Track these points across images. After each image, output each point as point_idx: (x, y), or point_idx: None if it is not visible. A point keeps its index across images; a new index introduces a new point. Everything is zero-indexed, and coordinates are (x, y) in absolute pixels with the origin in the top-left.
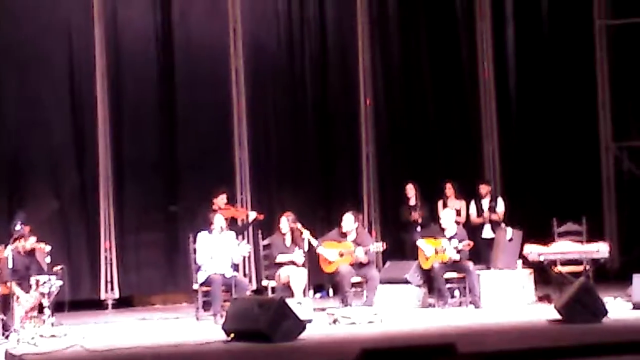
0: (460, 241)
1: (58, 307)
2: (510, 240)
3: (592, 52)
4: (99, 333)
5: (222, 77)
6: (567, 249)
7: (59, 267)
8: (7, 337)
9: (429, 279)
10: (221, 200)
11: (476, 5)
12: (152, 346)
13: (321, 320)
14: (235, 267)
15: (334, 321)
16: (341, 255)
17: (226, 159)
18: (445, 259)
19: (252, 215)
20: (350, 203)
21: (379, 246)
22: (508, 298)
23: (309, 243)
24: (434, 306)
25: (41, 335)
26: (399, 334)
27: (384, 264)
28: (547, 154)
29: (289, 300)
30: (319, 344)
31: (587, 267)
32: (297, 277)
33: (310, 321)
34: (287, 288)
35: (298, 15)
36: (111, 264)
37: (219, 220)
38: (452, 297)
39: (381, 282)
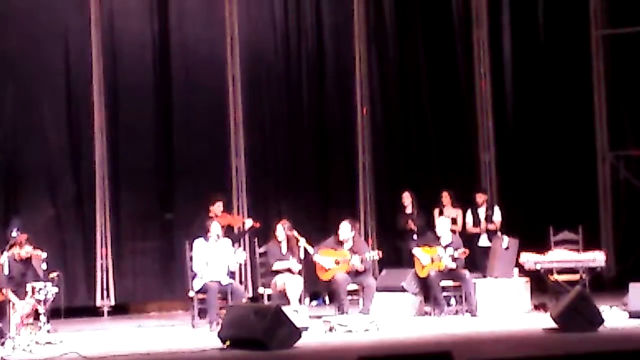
0: (455, 249)
1: (54, 314)
2: (507, 248)
3: (589, 61)
4: (95, 340)
5: (219, 84)
6: (563, 257)
7: (54, 274)
8: (2, 344)
9: (425, 287)
10: (218, 207)
11: (473, 14)
12: (147, 353)
13: (317, 328)
14: (232, 274)
15: (330, 329)
16: (337, 263)
17: (223, 167)
18: (441, 267)
19: (249, 222)
20: (347, 211)
21: (375, 254)
22: (504, 306)
23: (305, 251)
24: (430, 314)
25: (37, 342)
26: (395, 342)
27: (380, 272)
28: (544, 162)
29: (285, 308)
30: (315, 352)
31: (583, 275)
32: (293, 284)
33: (306, 329)
34: (283, 296)
35: (295, 24)
36: (107, 271)
37: (215, 228)
38: (448, 305)
39: (377, 290)
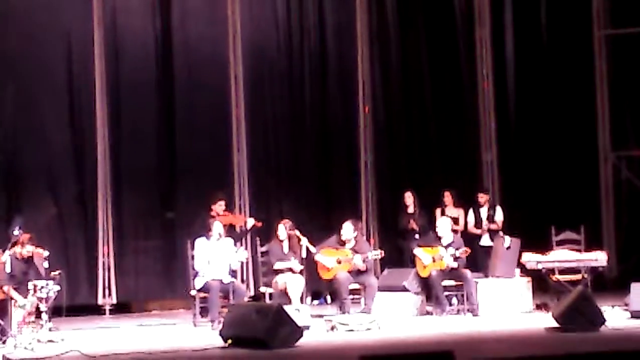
0: (457, 249)
1: (55, 312)
2: (508, 248)
3: (591, 61)
4: (97, 338)
5: (221, 83)
6: (565, 257)
7: (56, 272)
8: (4, 342)
9: (427, 287)
10: (219, 206)
11: (475, 13)
12: (149, 352)
13: (319, 327)
14: (233, 273)
15: (332, 328)
16: (339, 262)
17: (225, 166)
18: (442, 266)
19: (251, 222)
20: (349, 210)
21: (377, 254)
22: (506, 306)
23: (307, 250)
24: (431, 314)
25: (38, 340)
26: (396, 342)
27: (382, 271)
28: (546, 162)
29: (286, 307)
30: (317, 351)
31: (585, 275)
32: (294, 284)
33: (308, 328)
34: (285, 295)
35: (297, 22)
36: (109, 270)
37: (217, 227)
38: (450, 304)
39: (379, 290)
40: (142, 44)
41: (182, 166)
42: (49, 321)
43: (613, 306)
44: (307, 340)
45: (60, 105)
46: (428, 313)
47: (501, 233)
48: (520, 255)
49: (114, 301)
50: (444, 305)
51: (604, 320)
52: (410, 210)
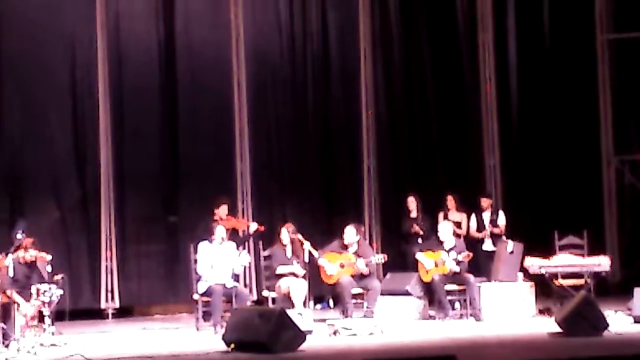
0: (459, 253)
1: (58, 316)
2: (511, 252)
3: (594, 65)
4: (99, 342)
5: (224, 88)
6: (568, 262)
7: (59, 276)
8: (7, 346)
9: (430, 291)
10: (222, 210)
11: (478, 17)
12: (151, 356)
13: (322, 331)
14: (236, 277)
15: (335, 332)
16: (342, 266)
17: (228, 170)
18: (445, 271)
19: (253, 226)
20: (352, 215)
21: (380, 258)
22: (509, 311)
23: (310, 254)
24: (434, 318)
25: (41, 344)
26: (399, 346)
27: (384, 275)
28: (549, 167)
29: (289, 311)
30: (320, 355)
31: (588, 280)
32: (297, 288)
33: (310, 332)
34: (288, 299)
35: (300, 27)
36: (112, 274)
37: (220, 231)
38: (453, 309)
39: (382, 294)
40: (145, 49)
41: (185, 170)
42: (52, 325)
43: (616, 311)
44: (310, 344)
45: (63, 109)
46: (431, 317)
47: (504, 237)
48: (523, 260)
49: (117, 305)
50: (446, 309)
51: (607, 325)
52: (413, 214)
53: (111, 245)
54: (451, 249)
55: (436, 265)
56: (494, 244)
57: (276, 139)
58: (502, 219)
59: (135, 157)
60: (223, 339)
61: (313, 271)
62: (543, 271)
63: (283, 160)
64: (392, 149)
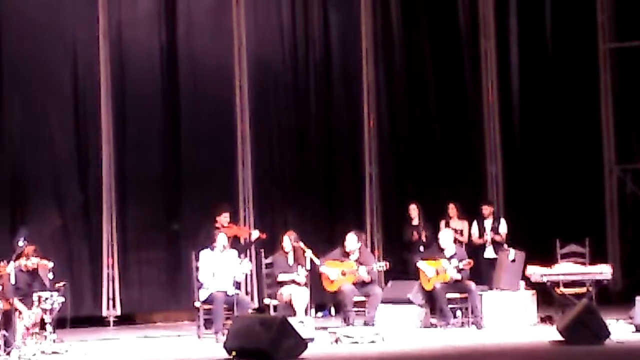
0: (460, 260)
1: (60, 323)
2: (513, 261)
3: (596, 74)
4: (101, 350)
5: (226, 94)
6: (570, 270)
7: (61, 283)
8: (8, 354)
9: (431, 299)
10: (224, 218)
11: (480, 26)
12: None
13: (323, 339)
14: (237, 285)
15: (336, 340)
16: (344, 274)
17: (229, 177)
18: (446, 279)
19: (255, 234)
20: (353, 222)
21: (382, 265)
22: (510, 319)
23: (312, 262)
24: (436, 326)
25: (43, 352)
26: (400, 354)
27: (386, 283)
28: (551, 175)
29: (291, 319)
30: None
31: (590, 288)
32: (299, 295)
33: (312, 340)
34: (289, 307)
35: (302, 34)
36: (113, 281)
37: (221, 239)
38: (454, 317)
39: (383, 302)
40: (148, 56)
41: (187, 178)
42: (53, 333)
43: (618, 319)
44: (311, 352)
45: (65, 117)
46: (432, 325)
47: (505, 245)
48: (524, 268)
49: (118, 313)
50: (448, 317)
51: (609, 333)
52: (415, 222)
53: (113, 252)
54: (452, 257)
55: (437, 273)
56: (496, 251)
57: (278, 147)
58: (503, 227)
59: (137, 165)
60: (224, 346)
61: (315, 279)
62: (545, 279)
63: (285, 167)
64: (394, 156)
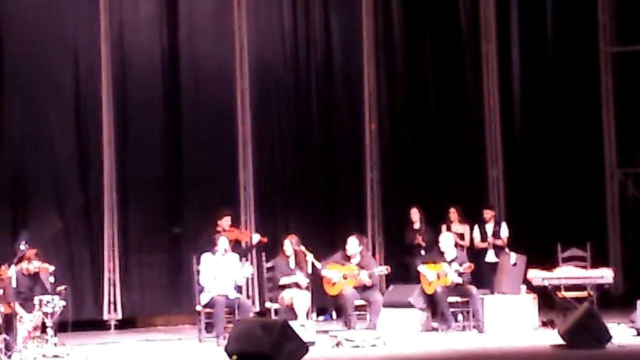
0: (460, 264)
1: (61, 327)
2: (514, 265)
3: (597, 78)
4: (102, 353)
5: (228, 98)
6: (571, 274)
7: (62, 287)
8: (9, 357)
9: (433, 303)
10: (225, 222)
11: (482, 29)
12: None
13: (324, 343)
14: (239, 288)
15: (337, 344)
16: (345, 278)
17: (231, 181)
18: (447, 282)
19: (256, 237)
20: (355, 226)
21: (383, 270)
22: (512, 323)
23: (313, 265)
24: (437, 330)
25: (44, 355)
26: (402, 358)
27: (387, 287)
28: (552, 179)
29: (292, 323)
30: None
31: (591, 292)
32: (300, 299)
33: (313, 344)
34: (291, 310)
35: (304, 38)
36: (114, 285)
37: (223, 242)
38: (456, 321)
39: (385, 306)
40: (149, 59)
41: (188, 181)
42: (55, 336)
43: (619, 323)
44: (313, 356)
45: (67, 119)
46: (433, 329)
47: (507, 249)
48: (526, 272)
49: (120, 316)
50: (449, 321)
51: (610, 337)
52: (417, 226)
53: (114, 256)
54: (453, 261)
55: (438, 277)
56: (497, 255)
57: (279, 150)
58: (505, 231)
59: (138, 168)
60: (225, 350)
61: (316, 282)
62: (546, 283)
63: (286, 170)
64: (395, 160)
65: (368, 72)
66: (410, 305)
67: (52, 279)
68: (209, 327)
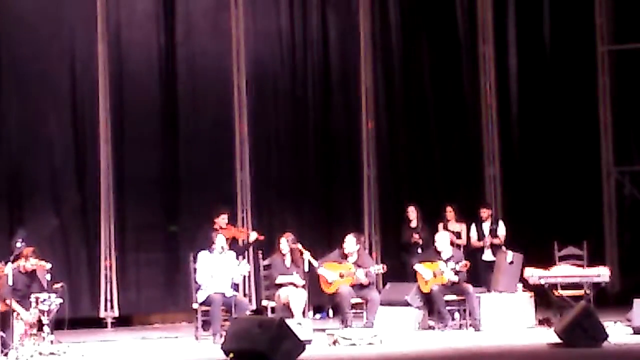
0: (457, 262)
1: (57, 324)
2: (511, 263)
3: (594, 76)
4: (98, 351)
5: (225, 97)
6: (567, 272)
7: (59, 284)
8: (6, 355)
9: (429, 302)
10: (222, 220)
11: (479, 29)
12: None
13: (321, 341)
14: (235, 287)
15: (334, 342)
16: (341, 276)
17: (227, 179)
18: (444, 281)
19: (253, 235)
20: (351, 224)
21: (379, 268)
22: (508, 321)
23: (310, 264)
24: (433, 328)
25: (40, 353)
26: (398, 356)
27: (384, 285)
28: (549, 178)
29: (288, 321)
30: None
31: (588, 291)
32: (297, 297)
33: (310, 342)
34: (287, 308)
35: (301, 37)
36: (111, 283)
37: (220, 240)
38: (452, 319)
39: (381, 304)
40: (146, 58)
41: (185, 179)
42: (51, 334)
43: (615, 322)
44: (309, 354)
45: (63, 118)
46: (430, 328)
47: (504, 248)
48: (522, 270)
49: (116, 314)
50: (446, 320)
51: (607, 335)
52: (414, 224)
53: (110, 253)
54: (449, 259)
55: (435, 276)
56: (494, 254)
57: (276, 149)
58: (501, 230)
59: (135, 166)
60: (222, 348)
61: (312, 281)
62: (542, 282)
63: (283, 169)
64: (392, 159)
65: (365, 72)
66: (406, 304)
67: (48, 277)
68: (206, 325)
